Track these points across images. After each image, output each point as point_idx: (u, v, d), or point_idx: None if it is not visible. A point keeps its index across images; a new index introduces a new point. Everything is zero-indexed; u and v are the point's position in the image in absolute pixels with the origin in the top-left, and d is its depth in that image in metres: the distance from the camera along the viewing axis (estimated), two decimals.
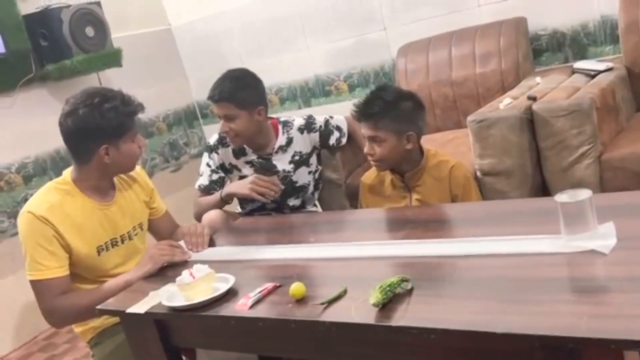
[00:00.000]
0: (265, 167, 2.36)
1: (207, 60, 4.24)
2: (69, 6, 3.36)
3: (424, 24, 3.34)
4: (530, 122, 2.34)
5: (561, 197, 1.30)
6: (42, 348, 3.11)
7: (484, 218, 1.68)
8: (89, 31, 3.44)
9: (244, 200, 2.48)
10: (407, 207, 2.02)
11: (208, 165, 2.42)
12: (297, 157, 2.40)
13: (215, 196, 2.34)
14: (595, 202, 1.28)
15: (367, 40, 3.61)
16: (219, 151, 2.41)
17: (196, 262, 1.66)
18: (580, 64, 2.76)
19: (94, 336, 1.95)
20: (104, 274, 1.89)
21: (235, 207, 2.58)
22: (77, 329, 1.98)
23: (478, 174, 2.44)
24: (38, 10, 3.36)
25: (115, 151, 1.83)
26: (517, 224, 1.52)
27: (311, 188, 2.50)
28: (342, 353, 1.33)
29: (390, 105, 1.96)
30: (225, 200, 2.33)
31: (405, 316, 1.20)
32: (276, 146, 2.37)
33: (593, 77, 2.59)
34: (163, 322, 1.57)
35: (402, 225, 1.78)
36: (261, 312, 1.39)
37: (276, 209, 2.44)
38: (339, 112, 2.62)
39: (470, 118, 2.43)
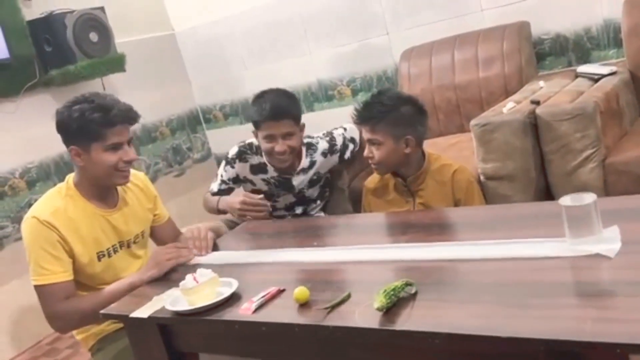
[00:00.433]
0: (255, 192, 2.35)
1: (211, 65, 4.25)
2: (72, 11, 3.37)
3: (426, 29, 3.34)
4: (533, 126, 2.34)
5: (565, 201, 1.29)
6: (46, 353, 3.12)
7: (487, 222, 1.67)
8: (93, 36, 3.45)
9: None
10: (411, 211, 2.02)
11: (222, 175, 2.44)
12: (315, 177, 2.41)
13: (213, 202, 2.38)
14: (599, 206, 1.27)
15: (370, 44, 3.61)
16: (235, 165, 2.39)
17: (200, 266, 1.66)
18: (583, 68, 2.76)
19: (95, 343, 1.94)
20: (103, 282, 1.88)
21: None
22: (78, 336, 1.98)
23: (481, 178, 2.44)
24: (42, 15, 3.37)
25: (86, 156, 1.82)
26: (521, 228, 1.51)
27: (318, 198, 2.51)
28: (346, 357, 1.33)
29: (389, 109, 1.97)
30: (221, 211, 2.36)
31: (409, 320, 1.19)
32: (299, 168, 2.35)
33: (596, 81, 2.59)
34: (166, 327, 1.57)
35: (405, 229, 1.78)
36: (265, 316, 1.38)
37: (281, 216, 2.46)
38: (341, 117, 2.61)
39: (473, 122, 2.43)
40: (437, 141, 3.00)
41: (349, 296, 1.34)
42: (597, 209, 1.27)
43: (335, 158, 2.43)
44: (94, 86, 3.51)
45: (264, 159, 2.33)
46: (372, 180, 2.18)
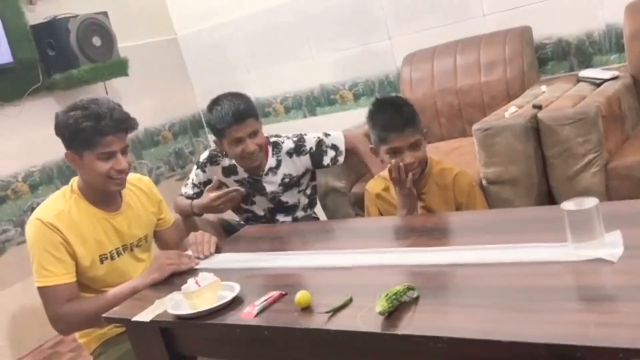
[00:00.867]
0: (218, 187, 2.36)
1: (213, 70, 4.26)
2: (76, 16, 3.38)
3: (428, 33, 3.35)
4: (535, 130, 2.34)
5: (567, 205, 1.29)
6: (48, 356, 3.12)
7: (490, 226, 1.67)
8: (96, 41, 3.47)
9: (237, 211, 2.50)
10: (413, 216, 2.01)
11: (193, 179, 2.47)
12: (286, 180, 2.36)
13: (187, 205, 2.40)
14: (601, 210, 1.27)
15: (372, 49, 3.62)
16: (206, 169, 2.42)
17: (202, 270, 1.67)
18: (585, 73, 2.76)
19: (98, 346, 1.95)
20: (106, 284, 1.89)
21: (233, 216, 2.58)
22: (81, 339, 1.98)
23: (484, 182, 2.44)
24: (46, 20, 3.39)
25: (80, 162, 1.83)
26: (523, 232, 1.51)
27: (302, 205, 2.47)
28: None
29: (412, 108, 1.98)
30: (197, 214, 2.38)
31: (411, 325, 1.19)
32: (266, 168, 2.33)
33: (598, 85, 2.59)
34: (168, 331, 1.57)
35: (407, 234, 1.78)
36: (267, 320, 1.38)
37: (268, 222, 2.44)
38: (344, 121, 2.61)
39: (475, 126, 2.43)
40: (439, 145, 3.00)
41: (350, 300, 1.34)
42: (599, 214, 1.27)
43: (305, 160, 2.36)
44: (96, 90, 3.52)
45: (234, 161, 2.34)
46: (375, 184, 2.17)
